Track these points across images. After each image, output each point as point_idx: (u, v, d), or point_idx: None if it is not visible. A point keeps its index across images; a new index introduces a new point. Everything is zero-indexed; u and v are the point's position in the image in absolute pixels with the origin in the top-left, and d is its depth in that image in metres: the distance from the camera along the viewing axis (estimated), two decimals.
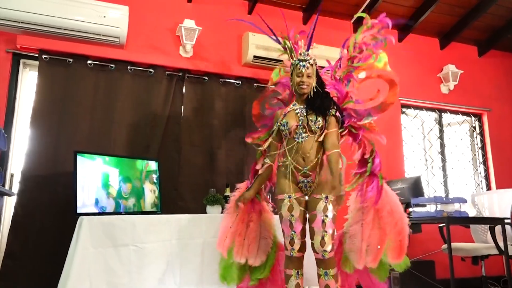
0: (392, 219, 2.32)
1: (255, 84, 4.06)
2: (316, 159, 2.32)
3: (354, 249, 2.34)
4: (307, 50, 2.47)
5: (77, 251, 2.49)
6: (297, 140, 2.34)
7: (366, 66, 2.56)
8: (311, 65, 2.38)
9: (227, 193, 3.36)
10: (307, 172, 2.33)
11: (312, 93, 2.37)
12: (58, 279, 2.51)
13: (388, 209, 2.33)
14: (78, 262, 2.47)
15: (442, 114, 5.03)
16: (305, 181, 2.34)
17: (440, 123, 5.00)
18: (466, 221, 3.40)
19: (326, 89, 2.47)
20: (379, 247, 2.27)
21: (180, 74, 3.81)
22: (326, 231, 2.20)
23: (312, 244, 2.25)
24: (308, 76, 2.36)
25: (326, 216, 2.21)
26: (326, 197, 2.25)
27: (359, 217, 2.37)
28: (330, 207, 2.23)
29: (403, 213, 2.39)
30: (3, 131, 2.93)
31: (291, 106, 2.46)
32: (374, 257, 2.26)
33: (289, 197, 2.33)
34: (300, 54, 2.40)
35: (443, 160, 4.89)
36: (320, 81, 2.42)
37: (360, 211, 2.39)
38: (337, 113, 2.37)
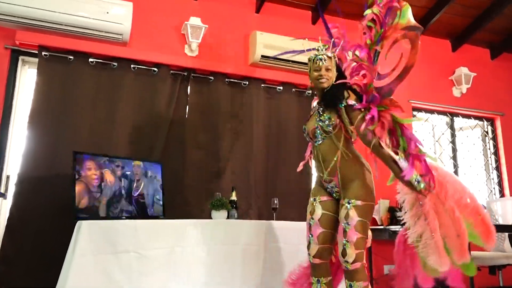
0: (459, 197, 2.01)
1: (262, 85, 3.92)
2: (334, 162, 2.13)
3: (430, 250, 1.94)
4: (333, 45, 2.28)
5: (74, 257, 2.32)
6: (315, 144, 2.21)
7: (392, 28, 2.14)
8: (329, 57, 2.20)
9: (233, 197, 3.21)
10: (327, 177, 2.17)
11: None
12: (54, 286, 2.36)
13: (449, 188, 2.02)
14: (75, 269, 2.30)
15: (454, 118, 4.88)
16: (329, 186, 2.19)
17: (452, 127, 4.85)
18: None
19: (343, 80, 2.18)
20: (459, 235, 1.94)
21: (185, 74, 3.67)
22: (347, 241, 2.01)
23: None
24: (327, 70, 2.18)
25: (348, 224, 2.02)
26: (349, 202, 2.06)
27: (419, 210, 2.02)
28: (352, 213, 2.03)
29: (466, 189, 2.07)
30: None
31: (314, 104, 2.32)
32: (460, 248, 1.93)
33: (314, 199, 2.21)
34: (317, 49, 2.24)
35: (455, 166, 4.73)
36: (340, 74, 2.23)
37: (417, 202, 2.04)
38: (350, 101, 2.07)
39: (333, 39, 2.30)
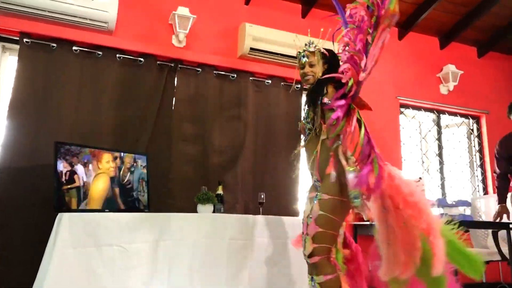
0: (413, 213, 1.82)
1: (250, 78, 3.87)
2: (314, 157, 2.11)
3: (383, 257, 1.87)
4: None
5: (55, 251, 2.25)
6: (304, 140, 2.21)
7: (384, 14, 1.93)
8: (312, 52, 2.18)
9: (219, 191, 3.17)
10: (311, 172, 2.17)
11: None
12: (33, 281, 2.28)
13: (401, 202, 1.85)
14: (55, 263, 2.23)
15: (441, 115, 4.91)
16: (315, 182, 2.18)
17: (438, 124, 4.88)
18: (472, 225, 3.27)
19: (326, 76, 2.10)
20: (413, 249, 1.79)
21: (172, 65, 3.59)
22: (307, 234, 1.99)
23: None
24: (311, 65, 2.17)
25: (310, 218, 1.99)
26: (316, 196, 2.02)
27: (383, 216, 1.91)
28: (315, 207, 1.99)
29: (422, 202, 1.84)
30: None
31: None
32: (404, 265, 1.80)
33: (306, 196, 2.21)
34: (307, 44, 2.20)
35: (441, 162, 4.77)
36: (332, 66, 2.18)
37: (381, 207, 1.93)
38: (325, 99, 2.02)
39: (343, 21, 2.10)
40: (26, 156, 2.97)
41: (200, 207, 2.96)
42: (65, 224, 2.32)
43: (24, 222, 2.86)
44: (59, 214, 2.37)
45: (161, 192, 3.32)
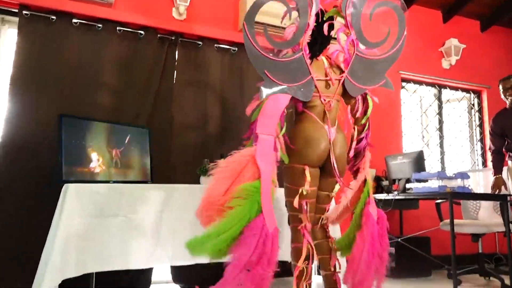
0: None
1: None
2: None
3: None
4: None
5: (61, 220, 2.30)
6: None
7: None
8: None
9: None
10: None
11: None
12: (39, 251, 2.34)
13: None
14: (62, 232, 2.28)
15: (442, 90, 4.91)
16: None
17: (439, 99, 4.89)
18: (470, 196, 3.32)
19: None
20: None
21: (173, 38, 3.57)
22: None
23: None
24: None
25: None
26: None
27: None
28: None
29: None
30: None
31: None
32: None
33: None
34: None
35: (441, 137, 4.80)
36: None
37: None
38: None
39: None
40: (29, 129, 2.99)
41: (202, 179, 3.00)
42: (71, 195, 2.36)
43: (29, 195, 2.90)
44: (65, 185, 2.40)
45: (163, 165, 3.34)
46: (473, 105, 5.08)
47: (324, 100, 2.08)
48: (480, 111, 5.04)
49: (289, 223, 2.10)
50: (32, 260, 2.41)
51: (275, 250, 1.80)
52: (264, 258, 1.75)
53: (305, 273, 1.96)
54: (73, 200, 2.36)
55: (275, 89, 1.97)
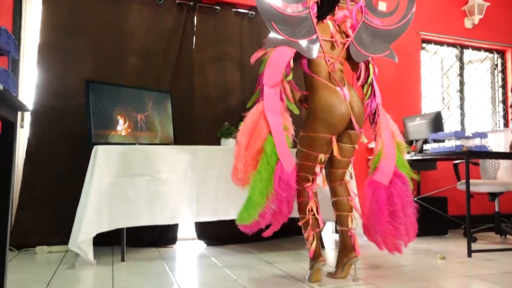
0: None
1: None
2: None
3: None
4: None
5: (93, 179, 2.48)
6: None
7: None
8: None
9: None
10: None
11: None
12: (74, 208, 2.54)
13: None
14: (94, 190, 2.47)
15: (464, 50, 4.81)
16: None
17: (461, 59, 4.80)
18: (487, 155, 3.33)
19: None
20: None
21: (191, 3, 3.61)
22: None
23: None
24: None
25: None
26: None
27: None
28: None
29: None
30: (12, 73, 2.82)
31: None
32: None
33: None
34: None
35: (462, 98, 4.75)
36: None
37: None
38: None
39: None
40: (59, 95, 3.15)
41: (223, 141, 3.12)
42: (101, 155, 2.53)
43: (62, 157, 3.09)
44: (95, 147, 2.56)
45: (185, 129, 3.47)
46: (496, 65, 4.96)
47: (328, 60, 2.14)
48: (504, 71, 4.93)
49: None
50: (69, 217, 2.61)
51: (292, 180, 2.00)
52: (286, 187, 1.97)
53: (310, 223, 2.11)
54: (103, 161, 2.53)
55: (281, 41, 2.03)
